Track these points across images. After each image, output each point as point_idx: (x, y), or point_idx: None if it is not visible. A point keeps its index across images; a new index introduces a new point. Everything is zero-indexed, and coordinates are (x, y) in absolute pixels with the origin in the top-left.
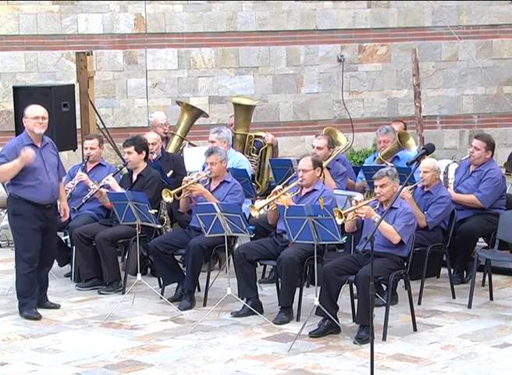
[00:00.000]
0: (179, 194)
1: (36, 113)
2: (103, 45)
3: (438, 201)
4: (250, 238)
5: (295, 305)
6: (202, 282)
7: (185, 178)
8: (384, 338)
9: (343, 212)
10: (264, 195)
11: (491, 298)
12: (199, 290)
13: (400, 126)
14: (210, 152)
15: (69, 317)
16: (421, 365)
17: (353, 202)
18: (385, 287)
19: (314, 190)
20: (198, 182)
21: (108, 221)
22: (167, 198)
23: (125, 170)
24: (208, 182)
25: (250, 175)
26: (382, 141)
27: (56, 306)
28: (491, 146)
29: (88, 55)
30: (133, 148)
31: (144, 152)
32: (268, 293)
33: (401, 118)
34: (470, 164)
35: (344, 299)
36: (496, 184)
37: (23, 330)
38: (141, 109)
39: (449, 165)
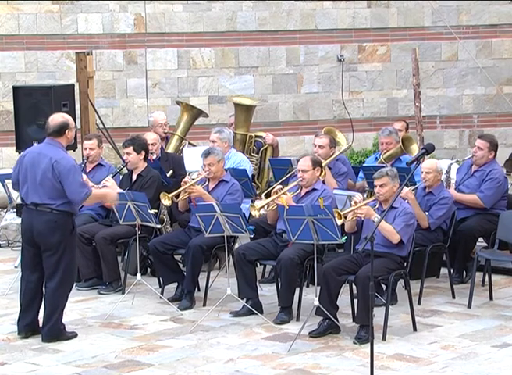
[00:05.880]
0: (177, 196)
1: None
2: (103, 45)
3: (440, 202)
4: (250, 238)
5: (295, 305)
6: (202, 282)
7: (184, 179)
8: (384, 338)
9: (342, 213)
10: (265, 195)
11: (491, 298)
12: (199, 290)
13: (401, 125)
14: (207, 154)
15: (68, 317)
16: (420, 365)
17: (353, 203)
18: (385, 287)
19: (313, 189)
20: (197, 183)
21: (108, 221)
22: (165, 201)
23: (125, 170)
24: (206, 182)
25: (250, 175)
26: (384, 143)
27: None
28: (494, 146)
29: (88, 54)
30: (131, 148)
31: (143, 152)
32: (268, 293)
33: (401, 118)
34: (472, 164)
35: (344, 299)
36: (499, 185)
37: None
38: (141, 109)
39: (451, 164)
